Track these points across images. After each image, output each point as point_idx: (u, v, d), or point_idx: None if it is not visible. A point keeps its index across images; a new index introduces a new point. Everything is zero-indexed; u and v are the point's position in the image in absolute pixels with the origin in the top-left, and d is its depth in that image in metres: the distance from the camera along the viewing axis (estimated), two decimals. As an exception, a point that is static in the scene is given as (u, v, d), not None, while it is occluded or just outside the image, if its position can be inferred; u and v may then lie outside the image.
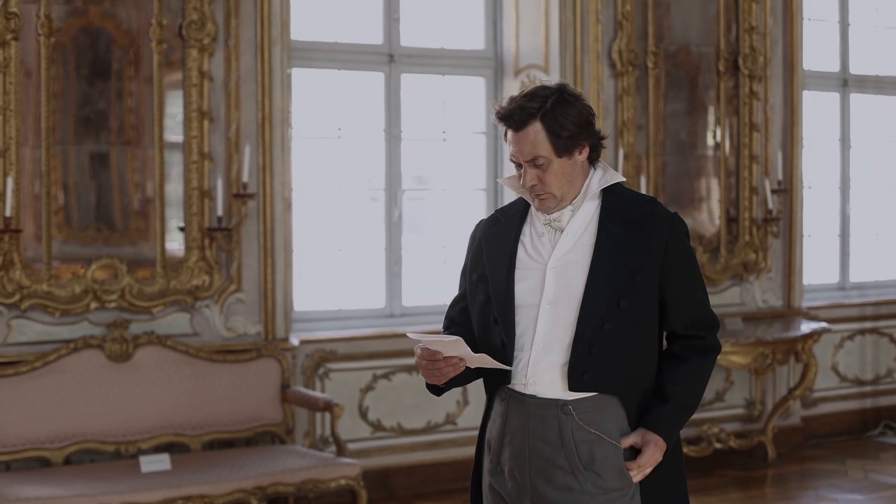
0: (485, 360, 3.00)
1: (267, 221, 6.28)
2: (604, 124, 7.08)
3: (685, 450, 7.10)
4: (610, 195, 3.12)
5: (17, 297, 5.76)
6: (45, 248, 5.81)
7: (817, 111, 8.35)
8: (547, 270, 3.06)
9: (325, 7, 6.88)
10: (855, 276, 8.63)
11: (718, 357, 7.07)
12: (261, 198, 6.28)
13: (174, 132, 6.09)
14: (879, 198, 8.84)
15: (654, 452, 3.06)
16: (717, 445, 7.27)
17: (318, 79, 6.87)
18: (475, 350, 3.05)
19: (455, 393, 6.77)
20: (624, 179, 3.17)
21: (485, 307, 3.12)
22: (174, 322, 6.10)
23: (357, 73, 6.98)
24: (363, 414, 6.64)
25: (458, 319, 3.24)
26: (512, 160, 3.09)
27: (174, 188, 6.09)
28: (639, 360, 3.08)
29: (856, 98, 8.58)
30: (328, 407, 5.92)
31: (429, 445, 6.80)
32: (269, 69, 6.25)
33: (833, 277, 8.55)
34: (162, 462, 5.62)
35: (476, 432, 3.29)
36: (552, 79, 6.95)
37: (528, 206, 3.17)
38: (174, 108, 6.09)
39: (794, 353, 7.30)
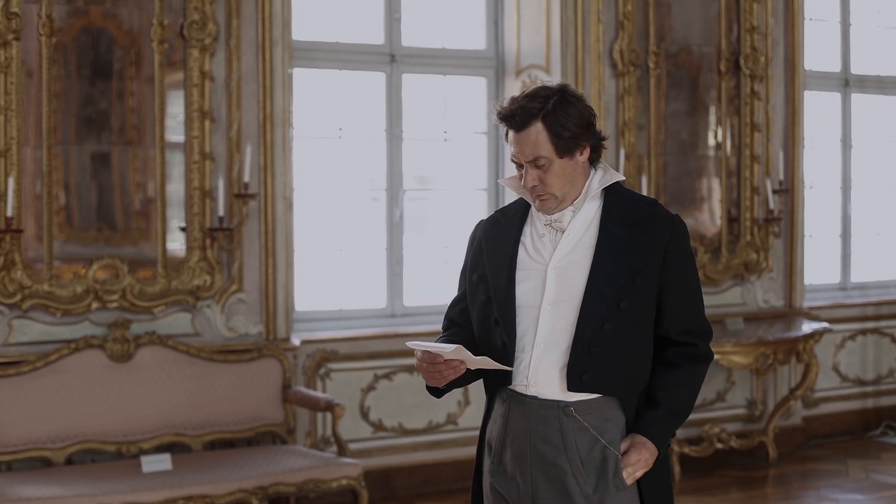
0: (486, 363, 3.00)
1: (268, 221, 6.28)
2: (605, 124, 7.08)
3: (686, 450, 7.11)
4: (611, 196, 3.12)
5: (18, 297, 5.76)
6: (46, 248, 5.81)
7: (818, 111, 8.35)
8: (548, 271, 3.06)
9: (326, 7, 6.88)
10: (856, 276, 8.62)
11: (720, 357, 7.14)
12: (262, 198, 6.28)
13: (175, 132, 6.09)
14: (880, 198, 8.84)
15: (640, 453, 3.04)
16: (719, 445, 7.27)
17: (319, 79, 6.87)
18: (476, 353, 3.04)
19: (456, 393, 6.77)
20: (624, 178, 3.17)
21: (485, 308, 3.12)
22: (175, 322, 6.10)
23: (358, 73, 6.98)
24: (364, 414, 6.64)
25: (457, 320, 3.23)
26: (513, 160, 3.08)
27: (175, 188, 6.09)
28: (638, 362, 3.08)
29: (857, 98, 8.58)
30: (329, 407, 5.92)
31: (430, 445, 6.80)
32: (270, 69, 6.25)
33: (834, 277, 8.55)
34: (163, 462, 5.62)
35: (477, 432, 3.29)
36: (553, 79, 6.95)
37: (528, 206, 3.17)
38: (175, 108, 6.09)
39: (795, 353, 7.29)
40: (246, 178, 6.15)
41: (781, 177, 7.76)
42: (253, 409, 6.11)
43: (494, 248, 3.15)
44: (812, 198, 8.22)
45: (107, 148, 5.98)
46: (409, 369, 6.66)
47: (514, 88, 6.99)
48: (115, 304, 5.94)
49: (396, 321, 6.95)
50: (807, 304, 8.01)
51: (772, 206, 7.63)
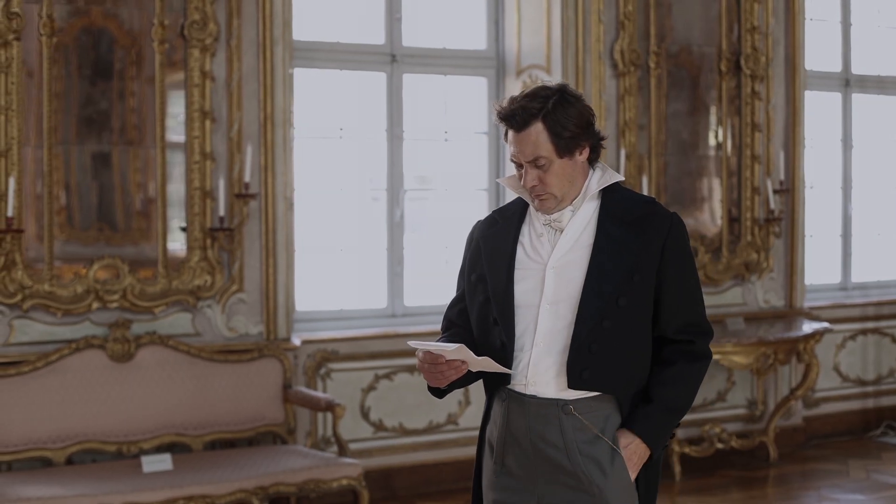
0: (488, 364, 3.00)
1: (269, 221, 6.28)
2: (606, 124, 7.08)
3: (687, 450, 7.11)
4: (609, 195, 3.12)
5: (19, 297, 5.76)
6: (46, 248, 5.81)
7: (819, 111, 8.35)
8: (547, 271, 3.06)
9: (326, 7, 6.89)
10: (857, 276, 8.62)
11: (720, 357, 7.13)
12: (263, 198, 6.28)
13: (176, 132, 6.09)
14: (881, 198, 8.84)
15: (626, 446, 3.05)
16: (719, 445, 7.27)
17: (319, 79, 6.87)
18: (476, 353, 3.05)
19: (457, 393, 6.77)
20: (623, 178, 3.17)
21: (484, 308, 3.12)
22: (176, 322, 6.10)
23: (359, 73, 6.98)
24: (365, 414, 6.64)
25: (456, 321, 3.23)
26: (512, 160, 3.09)
27: (176, 188, 6.10)
28: (638, 359, 3.08)
29: (857, 98, 8.58)
30: (330, 407, 5.93)
31: (430, 445, 6.80)
32: (270, 69, 6.25)
33: (835, 277, 8.55)
34: (163, 462, 5.63)
35: (477, 433, 3.29)
36: (554, 79, 6.95)
37: (526, 206, 3.17)
38: (176, 108, 6.09)
39: (795, 354, 7.29)
40: (247, 178, 6.15)
41: (782, 177, 7.76)
42: (253, 409, 6.11)
43: (493, 248, 3.15)
44: (813, 198, 8.22)
45: (107, 148, 5.98)
46: (410, 369, 6.66)
47: (514, 88, 6.99)
48: (115, 304, 5.94)
49: (397, 321, 6.95)
50: (807, 304, 8.01)
51: (772, 206, 7.63)
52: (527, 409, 3.06)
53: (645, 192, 7.14)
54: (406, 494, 6.68)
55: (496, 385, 3.14)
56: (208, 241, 6.13)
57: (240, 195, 6.18)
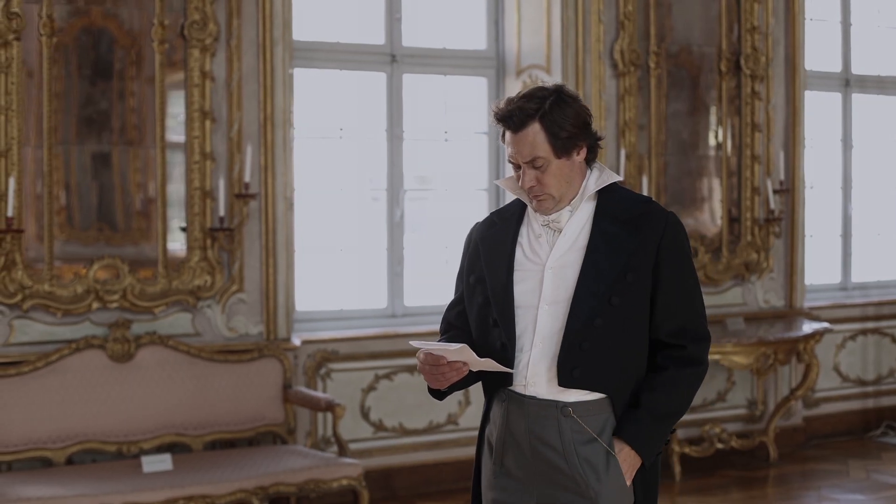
0: (489, 365, 3.00)
1: (269, 221, 6.28)
2: (605, 124, 7.08)
3: (687, 450, 7.11)
4: (607, 195, 3.11)
5: (19, 297, 5.76)
6: (46, 248, 5.81)
7: (819, 111, 8.35)
8: (545, 271, 3.05)
9: (326, 7, 6.89)
10: (857, 277, 8.62)
11: (720, 357, 7.11)
12: (262, 198, 6.28)
13: (176, 132, 6.09)
14: (881, 198, 8.84)
15: (618, 452, 3.03)
16: (719, 445, 7.27)
17: (319, 79, 6.87)
18: (481, 356, 3.04)
19: (457, 393, 6.75)
20: (620, 179, 3.16)
21: (483, 309, 3.11)
22: (176, 322, 6.10)
23: (359, 73, 6.98)
24: (365, 414, 6.64)
25: (455, 323, 3.23)
26: (510, 161, 3.08)
27: (176, 188, 6.10)
28: (632, 360, 3.06)
29: (858, 98, 8.58)
30: (330, 407, 5.93)
31: (430, 445, 6.80)
32: (270, 69, 6.25)
33: (835, 277, 8.55)
34: (164, 462, 5.63)
35: (477, 433, 3.29)
36: (554, 79, 6.96)
37: (524, 207, 3.16)
38: (176, 108, 6.09)
39: (795, 354, 7.29)
40: (246, 178, 6.15)
41: (782, 177, 7.76)
42: (253, 409, 6.11)
43: (491, 249, 3.14)
44: (813, 198, 8.22)
45: (107, 148, 5.98)
46: (410, 369, 6.66)
47: (514, 88, 6.99)
48: (115, 304, 5.94)
49: (397, 321, 6.95)
50: (807, 304, 8.01)
51: (772, 206, 7.63)
52: (526, 410, 3.05)
53: (645, 192, 7.14)
54: (406, 494, 6.68)
55: (496, 386, 3.13)
56: (208, 241, 6.13)
57: (240, 195, 6.18)
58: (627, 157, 7.16)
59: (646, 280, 3.03)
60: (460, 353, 2.94)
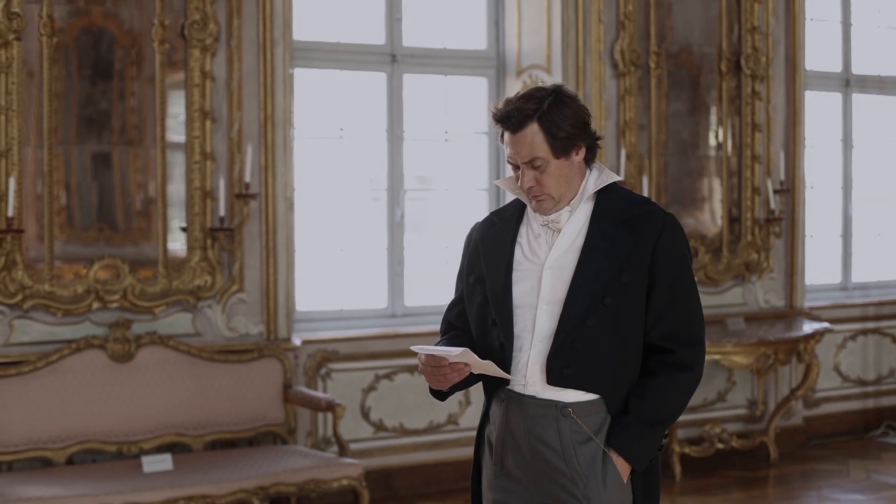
0: (490, 368, 3.00)
1: (269, 221, 6.28)
2: (606, 124, 7.08)
3: (687, 450, 7.11)
4: (606, 195, 3.11)
5: (19, 297, 5.76)
6: (47, 248, 5.81)
7: (819, 111, 8.35)
8: (543, 271, 3.05)
9: (327, 7, 6.89)
10: (857, 277, 8.62)
11: (721, 357, 7.09)
12: (263, 198, 6.28)
13: (176, 132, 6.09)
14: (881, 198, 8.84)
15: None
16: (720, 445, 7.27)
17: (320, 79, 6.87)
18: (477, 355, 3.04)
19: (457, 394, 6.73)
20: (620, 179, 3.15)
21: (482, 309, 3.11)
22: (176, 322, 6.10)
23: (359, 73, 6.98)
24: (365, 414, 6.64)
25: (455, 323, 3.23)
26: (509, 162, 3.08)
27: (176, 188, 6.10)
28: (625, 361, 3.03)
29: (858, 98, 8.58)
30: (330, 407, 5.93)
31: (431, 445, 6.80)
32: (271, 69, 6.25)
33: (835, 277, 8.55)
34: (164, 462, 5.63)
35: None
36: (554, 79, 6.96)
37: (524, 207, 3.16)
38: (176, 108, 6.09)
39: (796, 354, 7.29)
40: (247, 179, 6.15)
41: (782, 177, 7.76)
42: (254, 409, 6.11)
43: (491, 249, 3.14)
44: (813, 198, 8.22)
45: (108, 148, 5.98)
46: (410, 369, 6.66)
47: (514, 89, 6.98)
48: (115, 304, 5.94)
49: (397, 321, 6.95)
50: (808, 304, 8.01)
51: (773, 206, 7.63)
52: (525, 410, 3.05)
53: (645, 192, 7.15)
54: (406, 494, 6.68)
55: (495, 386, 3.13)
56: (209, 241, 6.13)
57: (240, 195, 6.18)
58: (628, 157, 7.16)
59: (641, 281, 3.01)
60: (462, 356, 2.94)
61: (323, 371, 6.51)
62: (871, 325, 8.35)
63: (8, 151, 5.71)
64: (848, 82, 8.51)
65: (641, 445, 3.02)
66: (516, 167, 3.06)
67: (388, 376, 6.68)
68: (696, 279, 7.50)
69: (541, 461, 3.05)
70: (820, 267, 8.40)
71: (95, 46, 5.93)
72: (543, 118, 2.99)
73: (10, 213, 5.65)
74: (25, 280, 5.76)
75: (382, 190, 7.01)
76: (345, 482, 5.70)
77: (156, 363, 5.94)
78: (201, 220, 6.11)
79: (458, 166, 7.32)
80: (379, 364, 6.66)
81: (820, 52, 8.31)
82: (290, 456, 5.82)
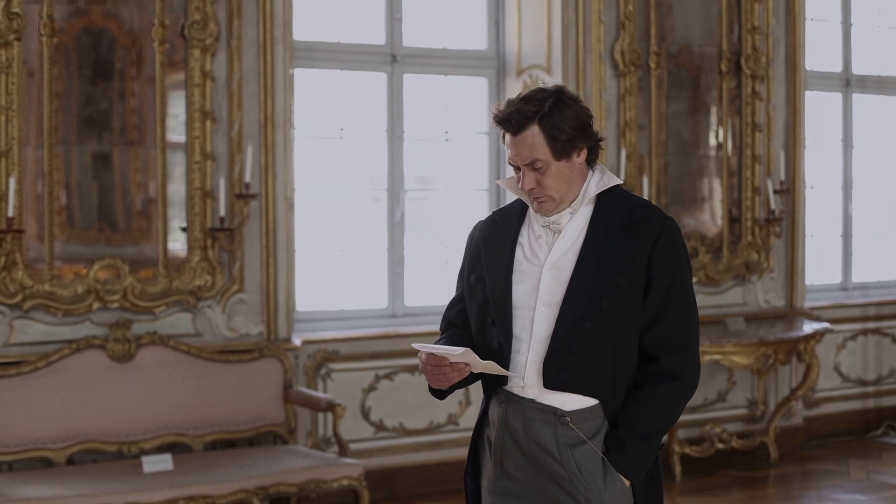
0: (492, 368, 2.99)
1: (269, 221, 6.28)
2: (606, 124, 7.08)
3: (687, 450, 7.11)
4: (606, 198, 3.09)
5: (19, 297, 5.76)
6: (47, 248, 5.81)
7: (820, 111, 8.35)
8: (543, 272, 3.04)
9: (327, 7, 6.89)
10: (857, 277, 8.62)
11: (720, 357, 7.09)
12: (263, 198, 6.28)
13: (176, 132, 6.09)
14: (882, 198, 8.84)
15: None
16: (720, 445, 7.27)
17: (320, 79, 6.87)
18: (480, 356, 3.04)
19: (457, 393, 6.77)
20: (621, 182, 3.13)
21: (482, 308, 3.11)
22: (176, 322, 6.10)
23: (359, 74, 6.98)
24: (365, 414, 6.64)
25: (455, 321, 3.23)
26: (510, 163, 3.07)
27: (176, 188, 6.10)
28: (622, 365, 3.01)
29: (858, 98, 8.57)
30: (330, 407, 5.93)
31: (431, 446, 6.80)
32: (271, 69, 6.25)
33: (835, 278, 8.55)
34: (164, 462, 5.63)
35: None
36: (554, 79, 6.96)
37: (526, 207, 3.16)
38: (176, 108, 6.09)
39: (796, 354, 7.29)
40: (247, 179, 6.15)
41: (782, 177, 7.76)
42: (254, 410, 6.11)
43: (492, 248, 3.14)
44: (813, 198, 8.22)
45: (108, 148, 5.98)
46: (410, 369, 6.66)
47: (515, 89, 6.99)
48: (116, 305, 5.94)
49: (397, 321, 6.95)
50: (808, 304, 8.01)
51: (773, 206, 7.63)
52: (524, 413, 3.05)
53: (645, 192, 7.15)
54: (406, 494, 6.68)
55: (494, 386, 3.13)
56: (209, 242, 6.13)
57: (240, 195, 6.18)
58: (628, 157, 7.16)
59: (638, 285, 2.99)
60: (463, 356, 2.94)
61: (323, 371, 6.51)
62: (871, 325, 8.35)
63: (8, 151, 5.71)
64: (848, 82, 8.51)
65: (634, 459, 3.00)
66: (517, 168, 3.06)
67: (388, 376, 6.68)
68: (696, 279, 7.55)
69: (540, 464, 3.04)
70: (820, 267, 8.40)
71: (96, 46, 5.93)
72: (544, 120, 2.98)
73: (11, 213, 5.65)
74: (26, 280, 5.76)
75: (382, 190, 7.01)
76: (345, 482, 5.70)
77: (156, 363, 5.94)
78: (201, 220, 6.11)
79: (458, 166, 7.31)
80: (379, 364, 6.66)
81: (820, 52, 8.31)
82: (291, 456, 5.82)
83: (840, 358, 8.21)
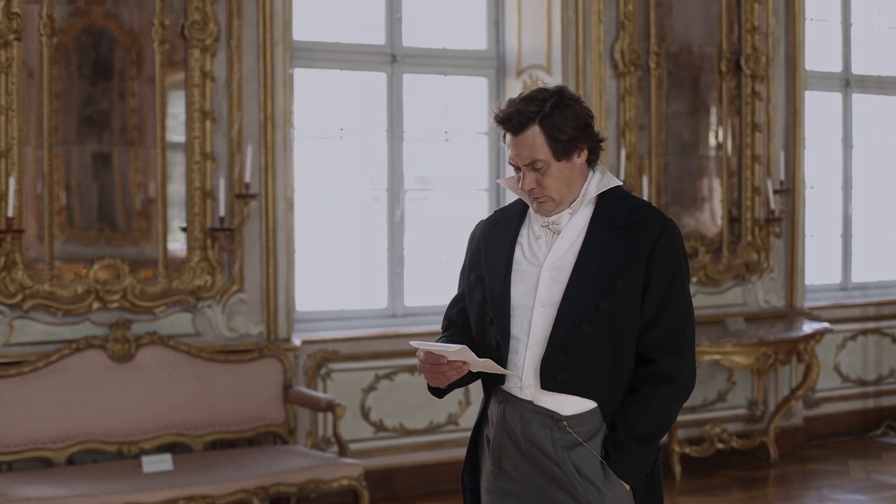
0: (489, 366, 2.99)
1: (269, 221, 6.28)
2: (606, 124, 7.08)
3: (687, 450, 7.11)
4: (606, 199, 3.09)
5: (19, 297, 5.76)
6: (47, 248, 5.81)
7: (819, 111, 8.35)
8: (541, 273, 3.04)
9: (327, 7, 6.89)
10: (857, 277, 8.62)
11: (720, 357, 7.09)
12: (263, 198, 6.28)
13: (176, 132, 6.09)
14: (881, 198, 8.84)
15: None
16: (720, 445, 7.27)
17: (320, 79, 6.87)
18: (476, 353, 3.04)
19: (457, 393, 6.77)
20: (620, 183, 3.13)
21: (482, 308, 3.11)
22: (176, 322, 6.10)
23: (359, 74, 6.98)
24: (365, 414, 6.64)
25: (456, 320, 3.23)
26: (510, 163, 3.07)
27: (176, 188, 6.10)
28: (621, 367, 3.01)
29: (858, 98, 8.58)
30: (330, 407, 5.93)
31: (431, 445, 6.80)
32: (271, 69, 6.25)
33: (835, 278, 8.55)
34: (164, 462, 5.63)
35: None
36: (554, 79, 6.96)
37: (526, 207, 3.15)
38: (176, 108, 6.09)
39: (796, 354, 7.29)
40: (247, 179, 6.15)
41: (782, 177, 7.76)
42: (254, 410, 6.11)
43: (492, 248, 3.14)
44: (813, 198, 8.22)
45: (108, 148, 5.98)
46: (410, 369, 6.66)
47: (515, 89, 6.99)
48: (116, 305, 5.94)
49: (397, 321, 6.95)
50: (808, 304, 8.01)
51: (773, 206, 7.63)
52: (522, 413, 3.04)
53: (645, 192, 7.15)
54: (406, 494, 6.68)
55: (493, 385, 3.13)
56: (209, 242, 6.13)
57: (240, 195, 6.18)
58: (628, 157, 7.16)
59: (636, 287, 2.99)
60: (460, 353, 2.94)
61: (323, 371, 6.51)
62: (871, 325, 8.35)
63: (8, 151, 5.71)
64: (848, 82, 8.52)
65: (633, 463, 3.00)
66: (517, 168, 3.06)
67: (388, 376, 6.68)
68: (696, 279, 7.55)
69: (538, 464, 3.04)
70: (820, 267, 8.40)
71: (95, 46, 5.93)
72: (545, 120, 2.98)
73: (11, 213, 5.65)
74: (25, 280, 5.76)
75: (382, 190, 7.01)
76: (345, 482, 5.70)
77: (156, 363, 5.94)
78: (201, 220, 6.11)
79: (458, 166, 7.31)
80: (379, 364, 6.66)
81: (820, 52, 8.31)
82: (291, 456, 5.82)
83: (840, 358, 8.22)
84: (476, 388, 6.49)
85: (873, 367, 8.37)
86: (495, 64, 7.26)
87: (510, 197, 6.58)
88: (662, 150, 7.36)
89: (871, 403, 8.34)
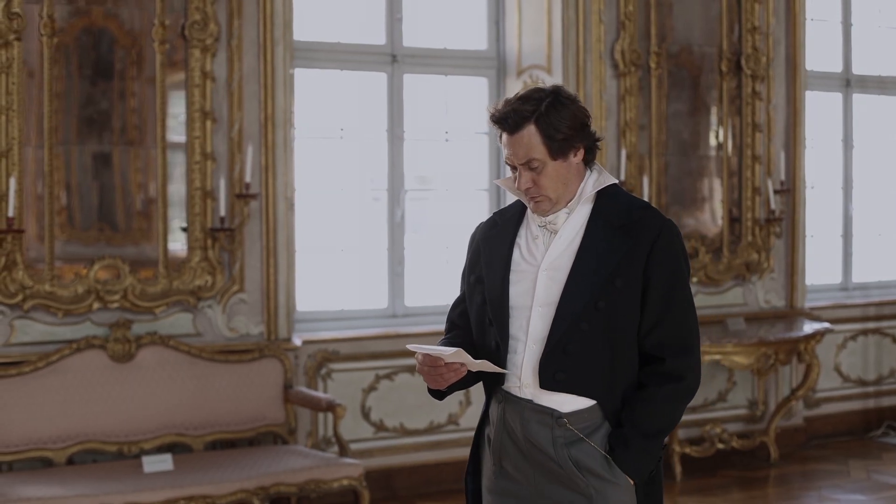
0: (486, 366, 3.00)
1: (269, 221, 6.29)
2: (606, 124, 7.08)
3: (688, 450, 7.11)
4: (605, 198, 3.09)
5: (19, 297, 5.76)
6: (47, 248, 5.81)
7: (820, 111, 8.35)
8: (539, 273, 3.04)
9: (327, 7, 6.89)
10: (857, 277, 8.62)
11: (721, 357, 7.09)
12: (263, 198, 6.28)
13: (177, 132, 6.09)
14: (882, 198, 8.84)
15: None
16: (720, 445, 7.27)
17: (320, 79, 6.88)
18: (475, 354, 3.04)
19: (457, 393, 6.73)
20: (616, 181, 3.12)
21: (481, 309, 3.12)
22: (177, 322, 6.10)
23: (359, 74, 6.98)
24: (365, 414, 6.64)
25: (458, 322, 3.23)
26: (507, 163, 3.07)
27: (177, 188, 6.10)
28: (620, 366, 3.01)
29: (858, 98, 8.57)
30: (330, 407, 5.93)
31: (431, 446, 6.80)
32: (271, 69, 6.25)
33: (836, 278, 8.55)
34: (164, 462, 5.63)
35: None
36: (555, 79, 6.97)
37: (525, 208, 3.16)
38: (177, 108, 6.09)
39: (796, 354, 7.29)
40: (247, 179, 6.15)
41: (783, 177, 7.76)
42: (254, 410, 6.11)
43: (491, 249, 3.14)
44: (813, 198, 8.22)
45: (108, 148, 5.98)
46: (411, 369, 6.66)
47: (515, 89, 6.98)
48: (116, 305, 5.94)
49: (398, 321, 6.95)
50: (808, 304, 8.01)
51: (773, 206, 7.63)
52: (521, 413, 3.05)
53: (645, 192, 7.15)
54: (407, 495, 6.68)
55: (493, 385, 3.13)
56: (209, 242, 6.13)
57: (240, 195, 6.18)
58: (628, 157, 7.16)
59: (635, 286, 2.99)
60: (456, 356, 2.95)
61: (323, 371, 6.51)
62: (871, 325, 8.35)
63: (8, 151, 5.71)
64: (848, 82, 8.51)
65: (639, 458, 3.00)
66: (514, 168, 3.06)
67: (388, 376, 6.68)
68: (697, 279, 7.54)
69: (538, 463, 3.04)
70: (820, 267, 8.40)
71: (96, 46, 5.93)
72: (541, 120, 2.98)
73: (11, 213, 5.65)
74: (26, 280, 5.76)
75: (383, 190, 7.02)
76: (345, 482, 5.70)
77: (156, 363, 5.94)
78: (202, 221, 6.11)
79: (459, 166, 7.32)
80: (379, 364, 6.67)
81: (820, 52, 8.31)
82: (291, 456, 5.82)
83: (840, 358, 8.22)
84: (477, 389, 6.47)
85: (873, 368, 8.37)
86: (495, 64, 7.26)
87: (510, 197, 6.57)
88: (663, 150, 7.36)
89: (871, 403, 8.34)
